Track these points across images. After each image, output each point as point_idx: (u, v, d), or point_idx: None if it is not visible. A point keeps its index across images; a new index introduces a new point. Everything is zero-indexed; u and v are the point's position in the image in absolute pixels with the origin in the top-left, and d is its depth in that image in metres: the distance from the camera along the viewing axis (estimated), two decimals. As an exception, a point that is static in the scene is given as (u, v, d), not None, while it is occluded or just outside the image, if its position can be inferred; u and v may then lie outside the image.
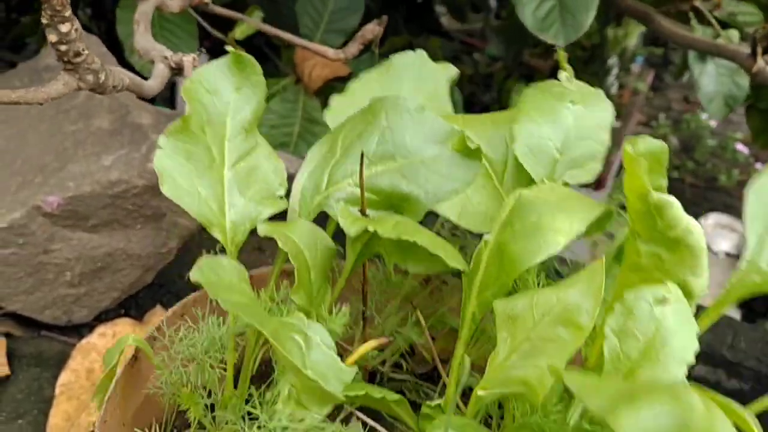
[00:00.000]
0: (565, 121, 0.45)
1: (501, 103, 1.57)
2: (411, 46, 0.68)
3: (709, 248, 1.40)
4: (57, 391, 0.68)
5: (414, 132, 0.46)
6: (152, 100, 1.08)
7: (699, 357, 0.36)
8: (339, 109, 0.50)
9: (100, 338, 0.75)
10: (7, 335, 0.72)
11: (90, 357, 0.72)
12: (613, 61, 1.70)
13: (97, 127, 0.77)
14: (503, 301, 0.39)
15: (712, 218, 1.46)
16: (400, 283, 0.52)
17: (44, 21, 0.45)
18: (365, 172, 0.45)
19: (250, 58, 0.49)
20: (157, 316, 0.78)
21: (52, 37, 0.46)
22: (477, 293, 0.40)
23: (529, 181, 0.47)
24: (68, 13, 0.45)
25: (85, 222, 0.71)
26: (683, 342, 0.35)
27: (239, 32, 1.03)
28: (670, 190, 0.38)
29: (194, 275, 0.36)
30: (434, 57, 0.59)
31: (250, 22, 0.95)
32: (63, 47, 0.46)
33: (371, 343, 0.42)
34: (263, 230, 0.42)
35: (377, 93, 0.48)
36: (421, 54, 0.54)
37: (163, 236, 0.75)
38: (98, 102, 0.79)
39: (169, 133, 0.42)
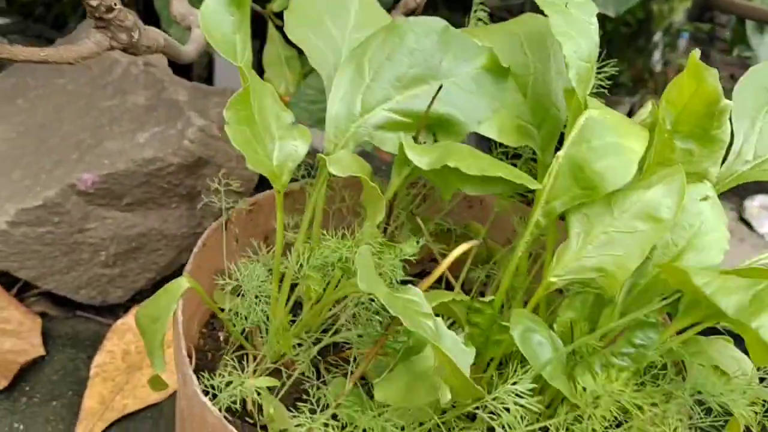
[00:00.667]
0: (593, 37, 0.43)
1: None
2: (450, 22, 0.66)
3: (755, 230, 1.33)
4: (92, 372, 0.67)
5: (443, 53, 0.46)
6: (189, 78, 1.06)
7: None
8: (295, 22, 0.50)
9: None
10: (43, 315, 0.71)
11: (125, 338, 0.71)
12: (658, 37, 1.63)
13: (132, 103, 0.75)
14: (577, 206, 0.42)
15: (758, 200, 1.40)
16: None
17: None
18: (397, 95, 0.46)
19: None
20: (193, 297, 0.76)
21: None
22: (544, 203, 0.43)
23: (552, 96, 0.48)
24: None
25: (120, 201, 0.70)
26: (720, 233, 0.42)
27: (277, 5, 1.00)
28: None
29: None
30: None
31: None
32: (94, 2, 0.44)
33: (463, 247, 0.43)
34: (336, 169, 0.42)
35: (323, 3, 0.50)
36: None
37: (198, 216, 0.74)
38: (134, 78, 0.77)
39: (231, 105, 0.40)
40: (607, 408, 0.37)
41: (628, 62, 1.54)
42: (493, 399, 0.37)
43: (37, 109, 0.79)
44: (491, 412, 0.38)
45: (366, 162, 0.44)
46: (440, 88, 0.44)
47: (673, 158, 0.42)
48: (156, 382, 0.45)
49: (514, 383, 0.37)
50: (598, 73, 0.49)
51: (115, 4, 0.44)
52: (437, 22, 0.46)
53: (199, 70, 1.22)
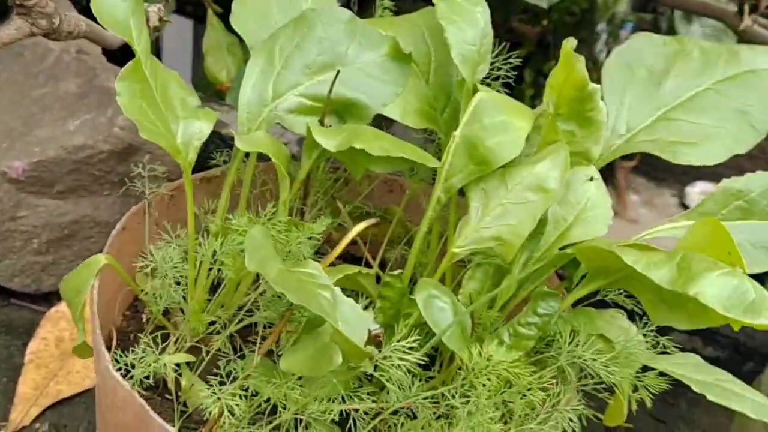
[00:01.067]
0: (479, 24, 0.47)
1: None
2: (397, 11, 0.69)
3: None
4: (26, 359, 0.68)
5: (349, 41, 0.49)
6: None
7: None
8: (242, 12, 0.53)
9: (71, 306, 0.75)
10: (-25, 303, 0.72)
11: (59, 325, 0.72)
12: (602, 27, 1.68)
13: (64, 91, 0.76)
14: (475, 180, 0.46)
15: (699, 186, 1.47)
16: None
17: None
18: (306, 81, 0.48)
19: None
20: (129, 284, 0.77)
21: None
22: (443, 180, 0.46)
23: (451, 82, 0.51)
24: None
25: (51, 188, 0.71)
26: (604, 209, 0.46)
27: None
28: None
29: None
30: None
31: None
32: (14, -11, 0.45)
33: (362, 225, 0.45)
34: (242, 144, 0.44)
35: None
36: None
37: (130, 203, 0.74)
38: (66, 65, 0.78)
39: (122, 77, 0.42)
40: (493, 374, 0.41)
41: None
42: (383, 358, 0.40)
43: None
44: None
45: (283, 145, 0.46)
46: (338, 73, 0.46)
47: (558, 139, 0.45)
48: (81, 350, 0.46)
49: (399, 340, 0.40)
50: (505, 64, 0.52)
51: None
52: (343, 13, 0.49)
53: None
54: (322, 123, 0.47)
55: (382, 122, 0.52)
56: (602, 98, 0.46)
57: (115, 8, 0.44)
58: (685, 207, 1.68)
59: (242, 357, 0.48)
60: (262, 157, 0.49)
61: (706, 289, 0.36)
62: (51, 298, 0.75)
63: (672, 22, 1.15)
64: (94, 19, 0.58)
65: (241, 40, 0.84)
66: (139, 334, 0.51)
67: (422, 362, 0.41)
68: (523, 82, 1.35)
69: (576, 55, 0.44)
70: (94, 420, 0.64)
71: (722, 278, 0.36)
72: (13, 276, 0.72)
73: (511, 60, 0.52)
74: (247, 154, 0.50)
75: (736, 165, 0.58)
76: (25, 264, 0.72)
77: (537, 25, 1.67)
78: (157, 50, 1.24)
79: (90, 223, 0.73)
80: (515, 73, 0.52)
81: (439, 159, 0.46)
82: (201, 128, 0.45)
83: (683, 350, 0.47)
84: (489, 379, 0.42)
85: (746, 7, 0.84)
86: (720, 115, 0.49)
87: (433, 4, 0.46)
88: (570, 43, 0.44)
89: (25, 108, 0.75)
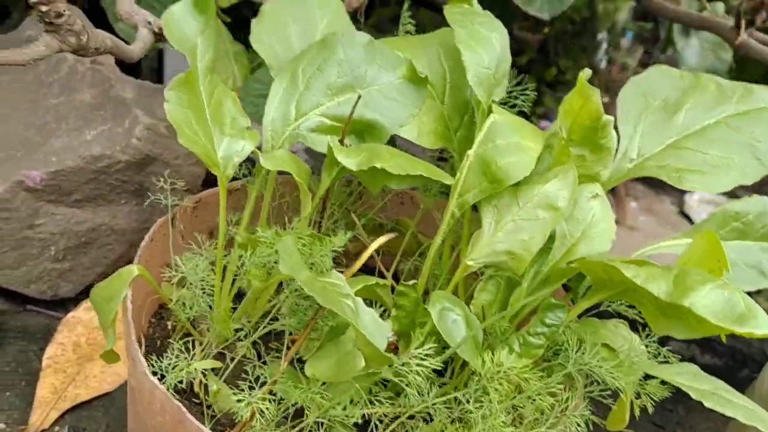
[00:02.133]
0: (495, 49, 0.51)
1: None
2: (398, 19, 0.72)
3: (695, 222, 1.45)
4: (44, 364, 0.71)
5: (368, 64, 0.53)
6: (139, 72, 1.09)
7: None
8: (262, 32, 0.56)
9: (86, 312, 0.78)
10: (-7, 309, 0.75)
11: (76, 330, 0.75)
12: (602, 36, 1.73)
13: (79, 101, 0.79)
14: (488, 197, 0.49)
15: (697, 195, 1.51)
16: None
17: None
18: (327, 102, 0.52)
19: (208, 1, 0.53)
20: (142, 290, 0.81)
21: None
22: (457, 196, 0.50)
23: (467, 102, 0.55)
24: None
25: (69, 197, 0.74)
26: (607, 225, 0.50)
27: (225, 0, 1.04)
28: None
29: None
30: (423, 28, 0.63)
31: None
32: (44, 7, 0.48)
33: (382, 239, 0.49)
34: (266, 162, 0.48)
35: (291, 15, 0.56)
36: None
37: (147, 211, 0.78)
38: (81, 76, 0.81)
39: (173, 86, 0.46)
40: (504, 380, 0.44)
41: (574, 60, 1.63)
42: (402, 365, 0.43)
43: (-18, 108, 0.81)
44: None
45: (303, 162, 0.50)
46: (359, 97, 0.50)
47: (569, 162, 0.49)
48: (109, 356, 0.50)
49: (416, 348, 0.44)
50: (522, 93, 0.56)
51: (64, 10, 0.49)
52: (363, 37, 0.53)
53: (148, 61, 1.25)
54: (342, 142, 0.50)
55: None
56: (616, 125, 0.50)
57: (186, 26, 0.48)
58: (684, 214, 1.73)
59: (264, 363, 0.51)
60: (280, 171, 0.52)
61: (699, 300, 0.40)
62: (67, 304, 0.78)
63: (671, 34, 1.19)
64: (97, 25, 0.62)
65: (247, 47, 0.88)
66: (165, 341, 0.55)
67: (437, 368, 0.45)
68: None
69: (591, 87, 0.48)
70: (112, 423, 0.67)
71: (714, 291, 0.40)
72: (29, 282, 0.75)
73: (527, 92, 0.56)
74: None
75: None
76: (42, 271, 0.75)
77: (538, 33, 1.72)
78: (160, 56, 1.27)
79: (107, 231, 0.76)
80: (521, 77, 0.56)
81: (453, 176, 0.50)
82: (244, 147, 0.48)
83: (682, 358, 0.51)
84: (501, 385, 0.45)
85: (743, 22, 0.88)
86: (729, 148, 0.52)
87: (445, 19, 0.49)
88: (585, 74, 0.48)
89: (39, 117, 0.78)
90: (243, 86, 1.14)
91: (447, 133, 0.53)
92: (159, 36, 0.67)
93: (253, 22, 0.56)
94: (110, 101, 0.79)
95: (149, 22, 0.66)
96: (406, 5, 0.59)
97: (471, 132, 0.52)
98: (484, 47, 0.48)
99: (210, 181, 0.78)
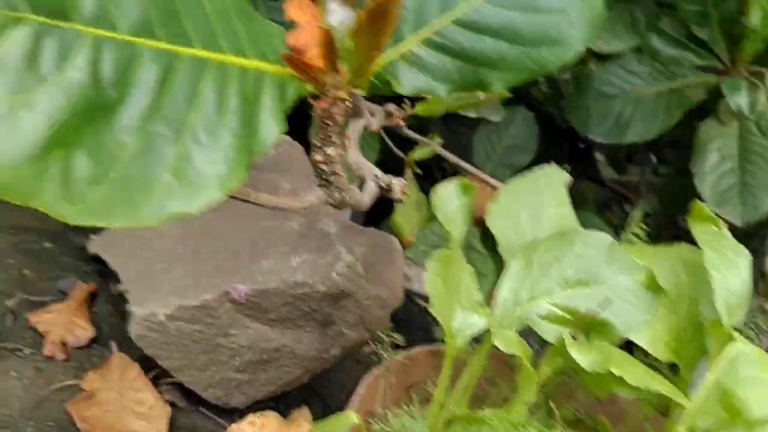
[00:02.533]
0: (742, 275, 0.50)
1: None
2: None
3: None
4: (205, 469, 0.74)
5: (606, 264, 0.55)
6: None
7: None
8: (497, 214, 0.61)
9: (249, 426, 0.81)
10: (172, 404, 0.80)
11: (239, 443, 0.77)
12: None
13: (289, 228, 0.87)
14: (723, 427, 0.48)
15: None
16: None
17: (315, 142, 0.54)
18: (560, 292, 0.54)
19: (472, 186, 0.58)
20: (303, 416, 0.83)
21: (317, 157, 0.55)
22: (688, 419, 0.49)
23: (699, 319, 0.55)
24: (338, 139, 0.54)
25: (265, 315, 0.80)
26: None
27: (418, 154, 1.13)
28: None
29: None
30: (585, 200, 0.65)
31: (432, 146, 1.05)
32: (324, 167, 0.55)
33: None
34: (499, 342, 0.50)
35: (525, 201, 0.60)
36: (554, 167, 0.67)
37: (328, 343, 0.82)
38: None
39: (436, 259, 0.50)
40: None
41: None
42: None
43: (204, 215, 0.91)
44: None
45: (527, 345, 0.52)
46: (607, 301, 0.51)
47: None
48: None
49: None
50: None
51: (340, 173, 0.55)
52: (605, 238, 0.55)
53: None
54: (573, 336, 0.52)
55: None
56: None
57: (450, 204, 0.53)
58: None
59: None
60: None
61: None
62: (234, 414, 0.81)
63: None
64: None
65: (427, 197, 0.94)
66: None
67: None
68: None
69: None
70: None
71: None
72: (209, 386, 0.80)
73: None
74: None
75: None
76: (223, 378, 0.80)
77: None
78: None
79: (289, 354, 0.80)
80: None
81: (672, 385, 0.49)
82: (476, 323, 0.52)
83: None
84: None
85: None
86: None
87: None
88: None
89: (253, 235, 0.87)
90: (419, 232, 1.20)
91: (677, 346, 0.53)
92: (385, 190, 0.74)
93: (491, 205, 0.60)
94: (315, 233, 0.86)
95: (377, 176, 0.73)
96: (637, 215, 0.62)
97: (700, 349, 0.52)
98: (732, 271, 0.49)
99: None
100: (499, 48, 0.49)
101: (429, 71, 0.50)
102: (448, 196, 0.54)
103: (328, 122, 0.50)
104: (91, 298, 0.84)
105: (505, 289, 0.54)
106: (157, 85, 0.38)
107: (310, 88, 0.49)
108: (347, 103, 0.51)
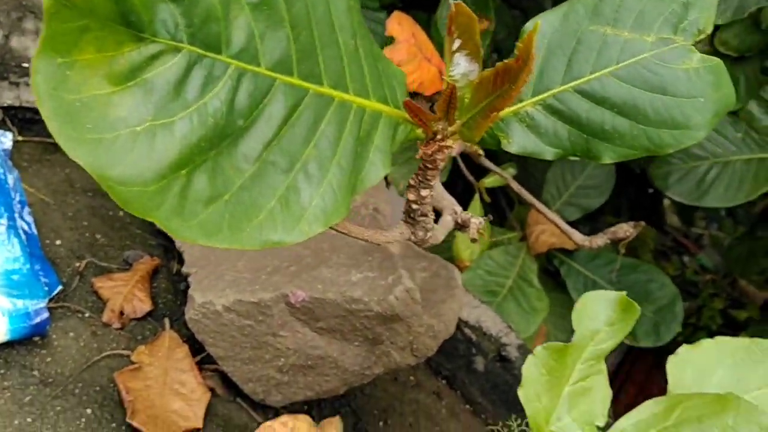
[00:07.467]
0: None
1: (699, 317, 1.53)
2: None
3: None
4: (233, 461, 0.76)
5: None
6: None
7: None
8: (682, 361, 0.54)
9: (281, 426, 0.82)
10: (212, 391, 0.82)
11: (270, 442, 0.79)
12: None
13: (353, 240, 0.87)
14: None
15: None
16: None
17: (411, 182, 0.54)
18: None
19: (636, 307, 0.54)
20: (334, 426, 0.84)
21: (410, 196, 0.55)
22: None
23: None
24: (434, 182, 0.54)
25: (315, 322, 0.81)
26: None
27: (489, 182, 1.13)
28: None
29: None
30: (644, 246, 0.63)
31: (503, 176, 1.04)
32: (415, 206, 0.55)
33: None
34: None
35: (728, 366, 0.53)
36: None
37: (372, 360, 0.83)
38: (361, 218, 0.90)
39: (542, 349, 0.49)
40: None
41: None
42: None
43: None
44: None
45: None
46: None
47: None
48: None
49: None
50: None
51: (429, 215, 0.56)
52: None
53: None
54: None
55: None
56: None
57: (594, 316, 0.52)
58: None
59: None
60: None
61: None
62: (269, 411, 0.83)
63: None
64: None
65: (492, 223, 0.92)
66: None
67: None
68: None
69: None
70: None
71: None
72: (249, 380, 0.82)
73: None
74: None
75: None
76: (263, 375, 0.82)
77: (765, 290, 1.64)
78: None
79: (331, 364, 0.82)
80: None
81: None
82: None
83: None
84: None
85: None
86: None
87: None
88: None
89: (317, 242, 0.88)
90: (477, 259, 1.20)
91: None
92: (460, 226, 0.74)
93: (683, 347, 0.55)
94: (378, 251, 0.86)
95: (455, 212, 0.74)
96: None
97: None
98: None
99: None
100: (616, 122, 0.48)
101: (540, 134, 0.50)
102: (595, 302, 0.51)
103: (429, 166, 0.51)
104: (153, 272, 0.87)
105: (628, 425, 0.49)
106: (283, 119, 0.39)
107: (419, 132, 0.49)
108: (452, 150, 0.51)
